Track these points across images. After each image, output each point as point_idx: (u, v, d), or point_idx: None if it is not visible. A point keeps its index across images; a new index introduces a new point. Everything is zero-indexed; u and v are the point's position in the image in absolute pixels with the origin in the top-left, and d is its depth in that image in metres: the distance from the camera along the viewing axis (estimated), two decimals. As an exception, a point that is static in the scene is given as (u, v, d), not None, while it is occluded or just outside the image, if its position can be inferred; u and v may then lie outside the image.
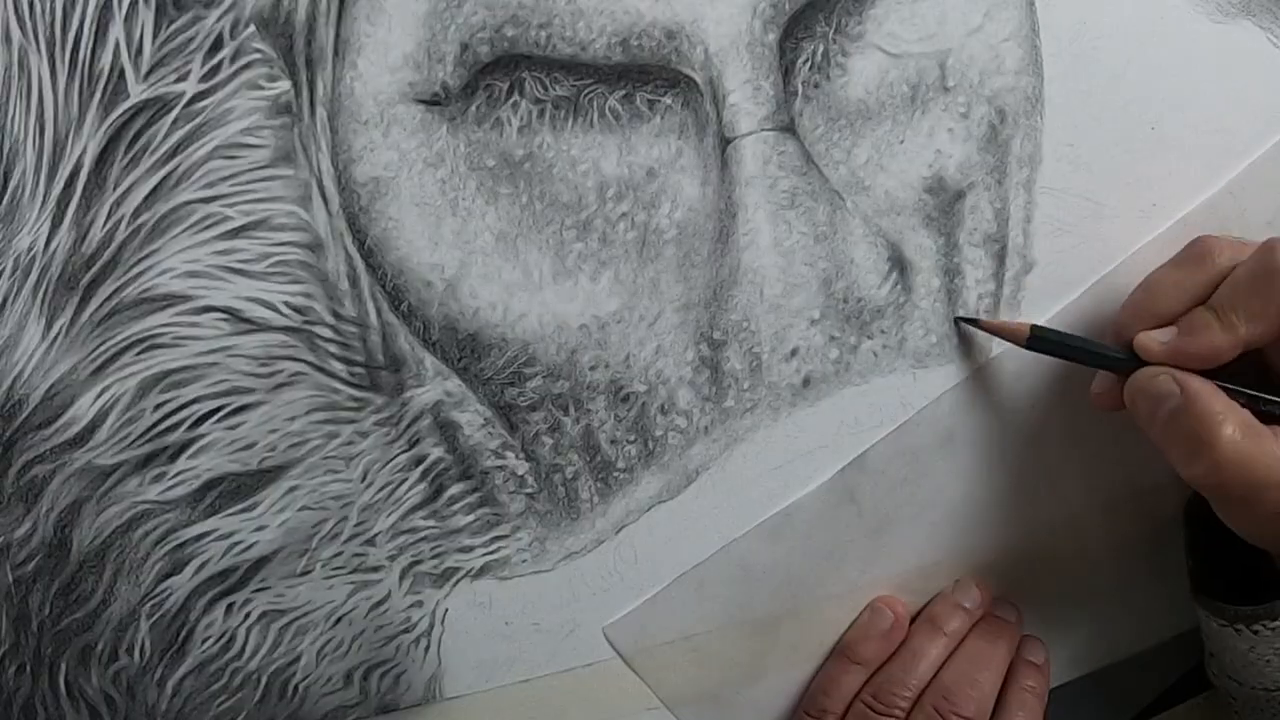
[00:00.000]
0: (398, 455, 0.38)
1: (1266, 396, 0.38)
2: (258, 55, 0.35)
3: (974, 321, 0.43)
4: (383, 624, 0.40)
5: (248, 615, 0.38)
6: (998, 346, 0.44)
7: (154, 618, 0.37)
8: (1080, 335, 0.43)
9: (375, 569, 0.39)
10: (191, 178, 0.35)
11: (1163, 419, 0.38)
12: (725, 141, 0.39)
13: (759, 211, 0.40)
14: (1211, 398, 0.37)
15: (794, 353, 0.42)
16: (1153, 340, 0.39)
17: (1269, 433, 0.37)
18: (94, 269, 0.35)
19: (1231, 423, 0.36)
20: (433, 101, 0.37)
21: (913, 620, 0.45)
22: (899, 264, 0.42)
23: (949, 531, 0.45)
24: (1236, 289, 0.39)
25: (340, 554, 0.39)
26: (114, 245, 0.35)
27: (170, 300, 0.35)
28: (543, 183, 0.38)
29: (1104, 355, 0.41)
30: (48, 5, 0.34)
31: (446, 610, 0.40)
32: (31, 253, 0.34)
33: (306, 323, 0.37)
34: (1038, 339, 0.42)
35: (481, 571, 0.40)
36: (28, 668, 0.37)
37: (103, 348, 0.35)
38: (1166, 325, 0.40)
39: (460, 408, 0.39)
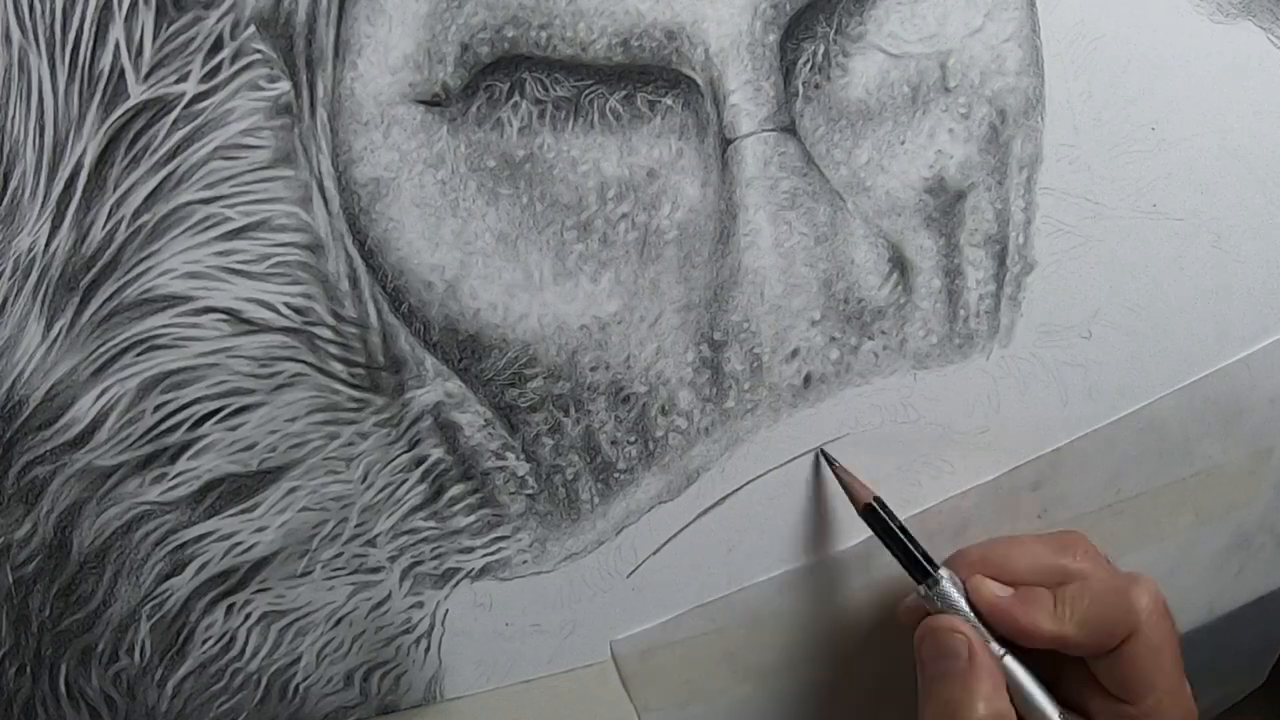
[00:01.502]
0: (398, 456, 0.38)
1: (1046, 701, 0.40)
2: (258, 56, 0.35)
3: (830, 462, 0.42)
4: (383, 625, 0.40)
5: (248, 616, 0.38)
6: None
7: (154, 618, 0.37)
8: (910, 535, 0.42)
9: (376, 570, 0.39)
10: (192, 179, 0.35)
11: (936, 673, 0.39)
12: (726, 142, 0.39)
13: (760, 212, 0.40)
14: (988, 681, 0.39)
15: (795, 353, 0.42)
16: (987, 588, 0.40)
17: None
18: (94, 270, 0.35)
19: (991, 709, 0.38)
20: (433, 102, 0.37)
21: None
22: (900, 265, 0.42)
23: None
24: (1083, 592, 0.40)
25: (341, 555, 0.39)
26: (114, 246, 0.35)
27: (170, 301, 0.35)
28: (543, 183, 0.38)
29: (919, 565, 0.41)
30: (48, 5, 0.33)
31: (447, 611, 0.40)
32: (31, 254, 0.34)
33: (307, 324, 0.37)
34: (872, 513, 0.41)
35: (482, 572, 0.40)
36: (28, 669, 0.37)
37: (103, 349, 0.35)
38: (1008, 584, 0.41)
39: (461, 409, 0.39)
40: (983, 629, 0.40)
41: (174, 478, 0.36)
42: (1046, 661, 0.41)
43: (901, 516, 0.42)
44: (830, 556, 0.44)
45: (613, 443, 0.40)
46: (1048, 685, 0.41)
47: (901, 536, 0.41)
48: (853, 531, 0.44)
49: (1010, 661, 0.40)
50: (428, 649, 0.40)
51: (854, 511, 0.42)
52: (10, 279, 0.34)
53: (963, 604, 0.41)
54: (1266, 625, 0.54)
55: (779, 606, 0.44)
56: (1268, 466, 0.50)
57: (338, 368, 0.37)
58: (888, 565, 0.43)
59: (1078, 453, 0.45)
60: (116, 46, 0.34)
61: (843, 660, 0.45)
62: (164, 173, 0.35)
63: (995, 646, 0.40)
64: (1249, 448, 0.49)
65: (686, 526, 0.42)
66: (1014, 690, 0.40)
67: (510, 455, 0.39)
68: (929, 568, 0.41)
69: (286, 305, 0.36)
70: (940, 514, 0.45)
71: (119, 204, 0.35)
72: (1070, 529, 0.44)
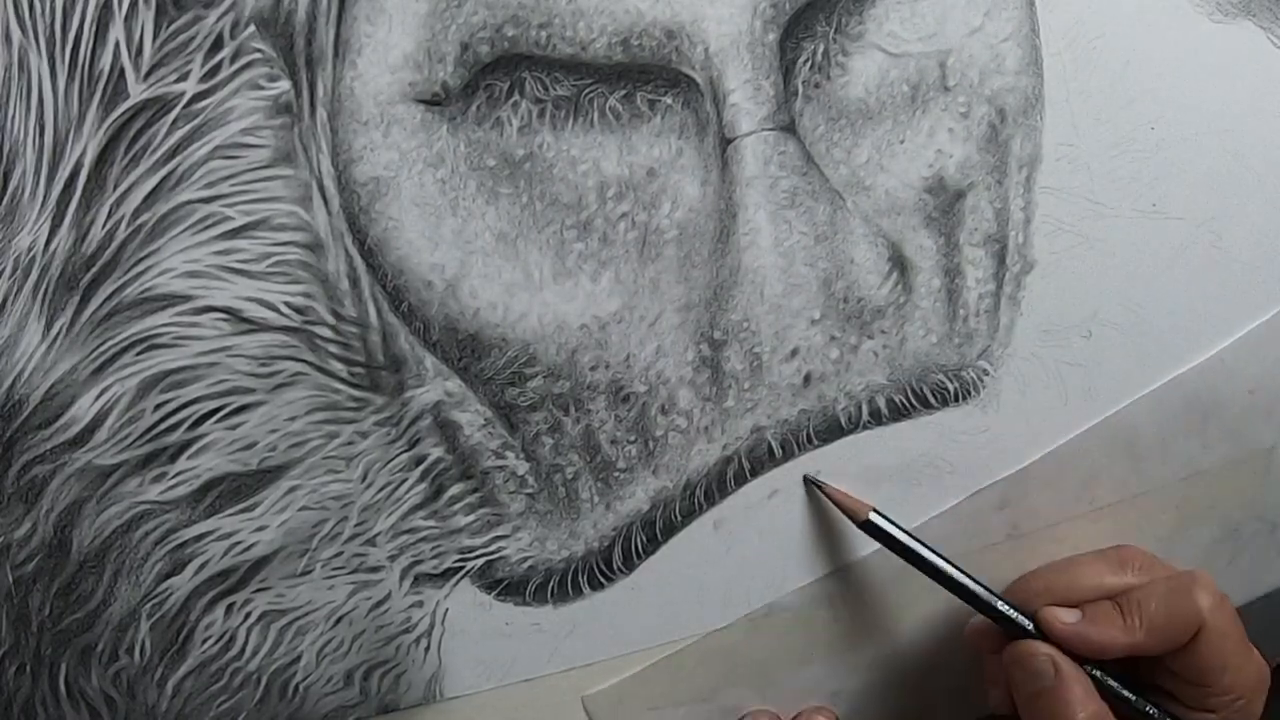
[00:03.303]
0: (398, 455, 0.38)
1: (1134, 698, 0.42)
2: (258, 55, 0.35)
3: (819, 486, 0.43)
4: (383, 624, 0.40)
5: (248, 615, 0.38)
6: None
7: (154, 618, 0.37)
8: (921, 540, 0.43)
9: (375, 569, 0.39)
10: (191, 178, 0.35)
11: (1030, 694, 0.42)
12: (726, 141, 0.39)
13: (759, 211, 0.40)
14: (1078, 688, 0.41)
15: (794, 353, 0.42)
16: (1058, 619, 0.43)
17: None
18: (94, 269, 0.35)
19: (1088, 712, 0.41)
20: (433, 101, 0.37)
21: None
22: (899, 264, 0.42)
23: (911, 658, 0.46)
24: (1147, 596, 0.42)
25: (340, 554, 0.39)
26: (114, 245, 0.35)
27: (170, 300, 0.35)
28: (543, 183, 0.38)
29: (940, 572, 0.42)
30: (48, 5, 0.33)
31: (447, 610, 0.40)
32: (31, 253, 0.34)
33: (307, 323, 0.37)
34: (872, 525, 0.42)
35: (482, 572, 0.40)
36: (28, 668, 0.37)
37: (103, 348, 0.35)
38: (1072, 606, 0.43)
39: (461, 408, 0.39)
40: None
41: (174, 477, 0.36)
42: (1123, 658, 0.43)
43: (902, 522, 0.43)
44: (792, 593, 0.44)
45: (612, 442, 0.40)
46: (1130, 679, 0.43)
47: (906, 541, 0.42)
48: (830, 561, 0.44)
49: (1091, 668, 0.42)
50: (427, 648, 0.40)
51: (828, 547, 0.43)
52: (10, 278, 0.34)
53: (992, 597, 0.42)
54: (1267, 624, 0.53)
55: (751, 648, 0.44)
56: (1254, 457, 0.50)
57: (338, 367, 0.37)
58: (860, 611, 0.44)
59: (1044, 468, 0.46)
60: (116, 46, 0.34)
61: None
62: (164, 172, 0.35)
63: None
64: (1230, 441, 0.49)
65: (687, 526, 0.42)
66: (1105, 692, 0.42)
67: (510, 454, 0.39)
68: (941, 558, 0.42)
69: (286, 304, 0.36)
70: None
71: (119, 203, 0.35)
72: (1122, 544, 0.46)
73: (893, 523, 0.42)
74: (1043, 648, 0.42)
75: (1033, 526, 0.47)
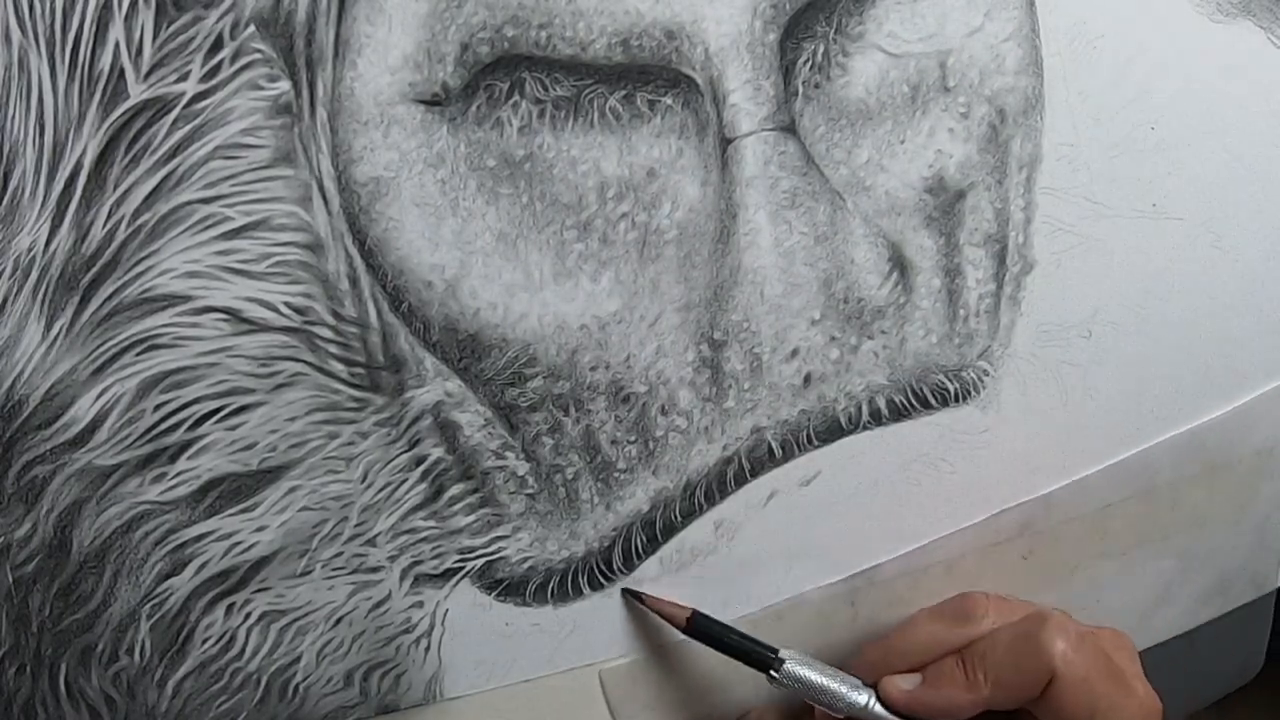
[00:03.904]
0: (398, 456, 0.38)
1: None
2: (258, 55, 0.35)
3: (638, 597, 0.41)
4: (383, 624, 0.40)
5: (248, 616, 0.38)
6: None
7: (154, 618, 0.37)
8: (741, 632, 0.41)
9: (375, 569, 0.39)
10: (191, 178, 0.35)
11: None
12: (726, 142, 0.39)
13: (759, 212, 0.40)
14: None
15: (794, 353, 0.42)
16: (895, 687, 0.40)
17: None
18: (94, 269, 0.35)
19: None
20: (433, 102, 0.37)
21: None
22: (899, 264, 0.42)
23: None
24: (992, 647, 0.39)
25: (340, 554, 0.39)
26: (114, 246, 0.35)
27: (170, 301, 0.35)
28: (543, 183, 0.38)
29: (761, 658, 0.40)
30: (48, 5, 0.33)
31: (447, 611, 0.40)
32: (31, 253, 0.34)
33: (307, 323, 0.37)
34: (697, 630, 0.40)
35: (482, 572, 0.40)
36: (28, 668, 0.37)
37: (103, 348, 0.35)
38: (914, 669, 0.40)
39: (461, 408, 0.39)
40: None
41: (174, 477, 0.36)
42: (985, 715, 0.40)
43: (897, 549, 0.42)
44: (818, 588, 0.44)
45: (613, 442, 0.40)
46: None
47: (732, 639, 0.41)
48: (845, 567, 0.44)
49: None
50: (428, 649, 0.40)
51: (853, 550, 0.42)
52: (10, 278, 0.34)
53: (816, 678, 0.40)
54: (1254, 628, 0.54)
55: (767, 636, 0.44)
56: (1248, 515, 0.50)
57: (338, 367, 0.37)
58: (875, 601, 0.44)
59: (1069, 494, 0.45)
60: (116, 46, 0.34)
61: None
62: (164, 172, 0.35)
63: None
64: (1233, 501, 0.49)
65: (687, 526, 0.42)
66: None
67: (510, 455, 0.39)
68: (768, 654, 0.40)
69: (286, 305, 0.36)
70: (929, 552, 0.45)
71: (119, 203, 0.35)
72: (965, 592, 0.43)
73: (716, 622, 0.40)
74: None
75: (1047, 554, 0.46)
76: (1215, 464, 0.48)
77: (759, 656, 0.40)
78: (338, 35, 0.36)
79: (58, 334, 0.35)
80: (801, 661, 0.40)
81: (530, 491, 0.40)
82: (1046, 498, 0.46)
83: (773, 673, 0.40)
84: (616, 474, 0.41)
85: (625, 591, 0.41)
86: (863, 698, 0.40)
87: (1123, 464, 0.46)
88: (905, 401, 0.43)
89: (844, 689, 0.40)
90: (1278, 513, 0.51)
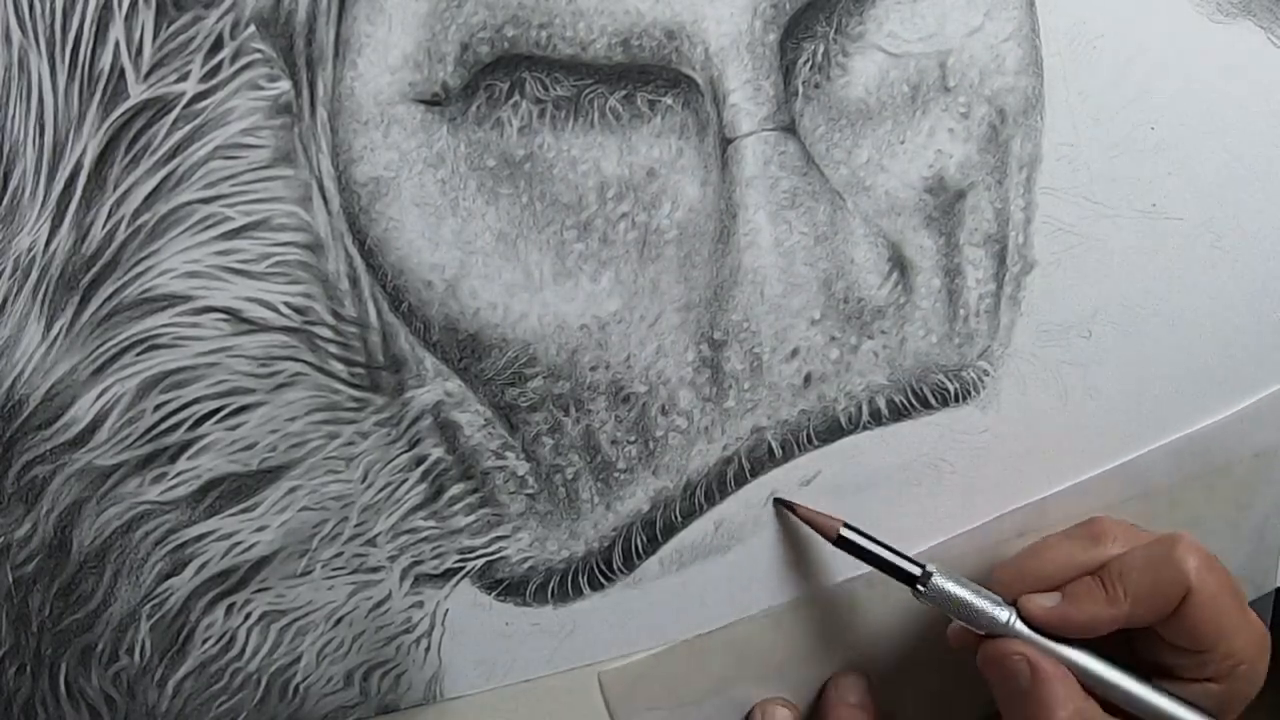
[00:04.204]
0: (398, 456, 0.38)
1: (1125, 683, 0.41)
2: (258, 55, 0.35)
3: (789, 507, 0.42)
4: (383, 624, 0.40)
5: (248, 616, 0.38)
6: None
7: (154, 618, 0.37)
8: (890, 546, 0.42)
9: (376, 569, 0.39)
10: (192, 178, 0.35)
11: (1007, 692, 0.40)
12: (726, 141, 0.39)
13: (759, 212, 0.40)
14: (1057, 686, 0.39)
15: (795, 353, 0.42)
16: (1037, 605, 0.41)
17: None
18: (94, 269, 0.35)
19: (1068, 711, 0.39)
20: (433, 102, 0.37)
21: None
22: (899, 264, 0.42)
23: (930, 662, 0.46)
24: (1128, 565, 0.41)
25: (341, 554, 0.39)
26: (114, 246, 0.35)
27: (170, 301, 0.35)
28: (543, 183, 0.38)
29: (905, 573, 0.41)
30: (48, 5, 0.33)
31: (447, 611, 0.40)
32: (31, 253, 0.34)
33: (307, 323, 0.37)
34: (845, 540, 0.41)
35: (482, 572, 0.40)
36: (28, 668, 0.37)
37: (103, 348, 0.35)
38: (1051, 590, 0.42)
39: (461, 408, 0.39)
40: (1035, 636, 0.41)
41: (174, 477, 0.36)
42: (1111, 636, 0.41)
43: (886, 533, 0.42)
44: (822, 589, 0.44)
45: (613, 442, 0.40)
46: (1121, 657, 0.41)
47: (880, 551, 0.42)
48: (845, 565, 0.44)
49: (1079, 655, 0.41)
50: (428, 649, 0.40)
51: (831, 548, 0.43)
52: (10, 278, 0.34)
53: (961, 593, 0.41)
54: None
55: (770, 639, 0.44)
56: (1247, 518, 0.50)
57: (338, 367, 0.37)
58: (879, 599, 0.44)
59: (1064, 503, 0.45)
60: (116, 46, 0.34)
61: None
62: (164, 172, 0.35)
63: (1055, 646, 0.41)
64: (1231, 503, 0.49)
65: (687, 526, 0.42)
66: (1092, 679, 0.40)
67: (510, 455, 0.39)
68: (917, 568, 0.41)
69: (286, 305, 0.36)
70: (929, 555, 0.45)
71: (119, 203, 0.35)
72: (1093, 516, 0.44)
73: (866, 535, 0.42)
74: (1015, 645, 0.40)
75: None
76: (1214, 467, 0.48)
77: (906, 571, 0.41)
78: (338, 35, 0.36)
79: (58, 334, 0.35)
80: (948, 577, 0.41)
81: (530, 491, 0.40)
82: (1042, 502, 0.46)
83: (919, 587, 0.41)
84: (616, 474, 0.41)
85: (777, 501, 0.42)
86: (1004, 614, 0.41)
87: (1121, 468, 0.47)
88: (905, 401, 0.43)
89: (987, 605, 0.41)
90: (1277, 515, 0.51)
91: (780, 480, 0.43)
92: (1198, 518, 0.48)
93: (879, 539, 0.42)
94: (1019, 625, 0.41)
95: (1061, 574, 0.42)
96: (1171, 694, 0.41)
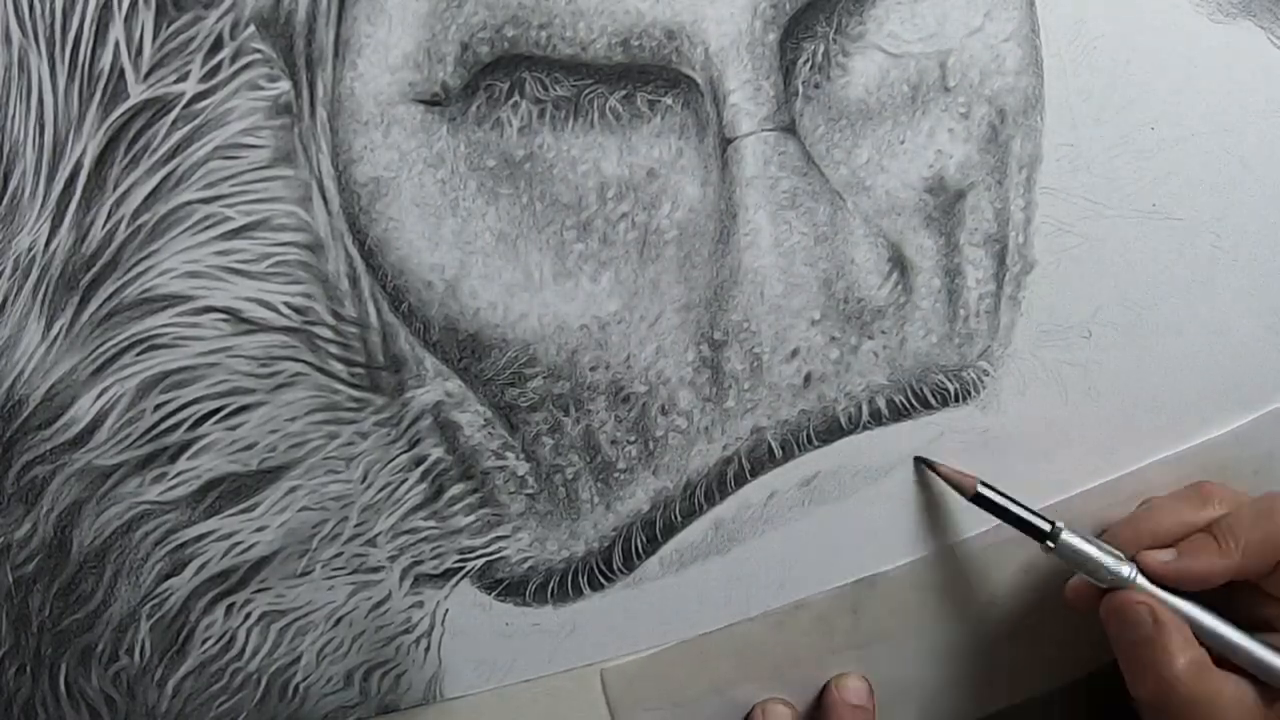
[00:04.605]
0: (398, 456, 0.38)
1: (1235, 637, 0.42)
2: (258, 56, 0.35)
3: (929, 464, 0.44)
4: (383, 624, 0.40)
5: (248, 616, 0.38)
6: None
7: (154, 618, 0.37)
8: (1022, 503, 0.44)
9: (376, 569, 0.39)
10: (191, 178, 0.35)
11: (1129, 641, 0.43)
12: (726, 142, 0.39)
13: (760, 212, 0.40)
14: (1176, 634, 0.42)
15: (795, 353, 0.42)
16: (1155, 559, 0.43)
17: (1219, 675, 0.42)
18: (94, 269, 0.35)
19: (1186, 658, 0.41)
20: (433, 102, 0.37)
21: None
22: (900, 264, 0.42)
23: (928, 666, 0.46)
24: (1238, 521, 0.43)
25: (340, 554, 0.39)
26: (114, 246, 0.35)
27: (170, 301, 0.35)
28: (543, 183, 0.38)
29: (1036, 529, 0.43)
30: (48, 5, 0.33)
31: (447, 611, 0.40)
32: (31, 253, 0.34)
33: (307, 323, 0.37)
34: (982, 497, 0.44)
35: (482, 572, 0.40)
36: (28, 668, 0.37)
37: (103, 348, 0.35)
38: (1165, 546, 0.44)
39: (461, 408, 0.39)
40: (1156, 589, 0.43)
41: (174, 477, 0.36)
42: (1215, 592, 0.43)
43: (897, 550, 0.44)
44: (822, 591, 0.44)
45: (613, 442, 0.40)
46: (1226, 613, 0.43)
47: (1013, 507, 0.44)
48: (846, 566, 0.44)
49: (1192, 609, 0.43)
50: (427, 649, 0.40)
51: (853, 551, 0.44)
52: (10, 278, 0.34)
53: (1088, 549, 0.43)
54: None
55: (770, 640, 0.44)
56: None
57: (338, 367, 0.37)
58: (877, 608, 0.44)
59: (1064, 512, 0.46)
60: (116, 46, 0.34)
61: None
62: (164, 172, 0.35)
63: (1171, 598, 0.43)
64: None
65: (687, 526, 0.42)
66: (1203, 632, 0.42)
67: (510, 455, 0.39)
68: (1047, 524, 0.43)
69: (286, 305, 0.36)
70: (928, 559, 0.46)
71: (119, 203, 0.35)
72: (1198, 481, 0.46)
73: (1000, 492, 0.44)
74: (1138, 596, 0.43)
75: (1050, 566, 0.47)
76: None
77: (1037, 527, 0.43)
78: (338, 35, 0.36)
79: (58, 334, 0.35)
80: (1076, 533, 0.43)
81: (530, 491, 0.40)
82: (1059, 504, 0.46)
83: (1049, 543, 0.43)
84: (616, 474, 0.41)
85: (918, 459, 0.45)
86: (1126, 569, 0.43)
87: (1128, 478, 0.47)
88: (905, 401, 0.43)
89: (1111, 561, 0.43)
90: None
91: (780, 480, 0.43)
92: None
93: (1012, 496, 0.44)
94: (1140, 579, 0.43)
95: (1175, 531, 0.44)
96: (1272, 645, 0.43)
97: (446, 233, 0.37)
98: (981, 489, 0.44)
